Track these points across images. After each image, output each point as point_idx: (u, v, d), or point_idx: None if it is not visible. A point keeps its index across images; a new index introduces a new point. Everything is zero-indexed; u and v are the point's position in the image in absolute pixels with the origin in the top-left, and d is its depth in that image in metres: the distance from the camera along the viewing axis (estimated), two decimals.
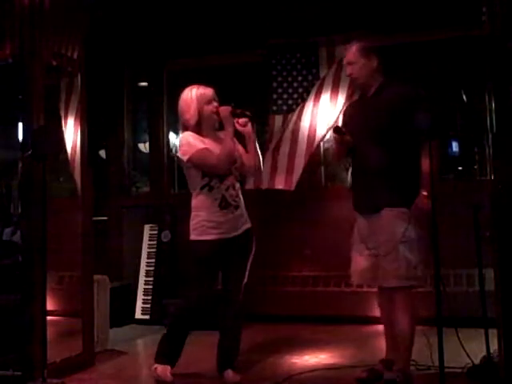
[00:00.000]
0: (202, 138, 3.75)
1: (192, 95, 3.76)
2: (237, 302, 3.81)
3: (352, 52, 3.65)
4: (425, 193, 3.40)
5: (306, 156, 5.51)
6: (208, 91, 3.79)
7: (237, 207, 3.75)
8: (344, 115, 4.04)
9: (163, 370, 3.75)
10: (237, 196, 3.76)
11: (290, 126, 5.65)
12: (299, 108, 5.68)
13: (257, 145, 3.84)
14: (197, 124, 3.75)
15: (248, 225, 3.82)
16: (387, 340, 3.74)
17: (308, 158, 5.52)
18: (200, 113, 3.74)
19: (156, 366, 3.78)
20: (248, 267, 3.82)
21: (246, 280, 3.82)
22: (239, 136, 3.86)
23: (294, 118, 5.66)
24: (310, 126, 5.57)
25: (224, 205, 3.69)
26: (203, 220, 3.70)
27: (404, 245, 3.42)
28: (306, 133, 5.56)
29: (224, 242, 3.69)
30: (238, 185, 3.80)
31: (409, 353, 3.53)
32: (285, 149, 5.60)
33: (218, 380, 3.73)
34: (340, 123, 4.07)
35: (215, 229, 3.68)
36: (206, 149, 3.68)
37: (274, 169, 5.60)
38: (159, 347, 3.84)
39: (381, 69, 3.64)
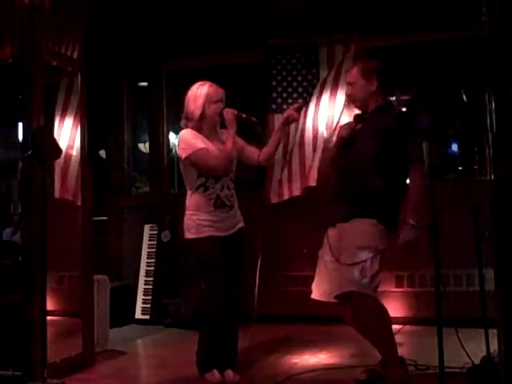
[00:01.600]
0: (201, 136, 3.76)
1: (202, 91, 3.77)
2: (235, 301, 3.80)
3: (353, 72, 3.67)
4: (411, 221, 3.40)
5: (315, 158, 5.53)
6: (218, 91, 3.80)
7: (231, 207, 3.78)
8: (338, 133, 3.98)
9: (211, 375, 3.72)
10: (231, 196, 3.79)
11: (295, 129, 5.66)
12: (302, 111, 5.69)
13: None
14: (199, 119, 3.75)
15: (241, 224, 3.86)
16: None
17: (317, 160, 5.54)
18: (204, 109, 3.75)
19: (204, 376, 3.75)
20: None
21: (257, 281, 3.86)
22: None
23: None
24: (313, 127, 5.58)
25: (219, 204, 3.72)
26: (198, 219, 3.71)
27: (363, 251, 3.41)
28: (311, 135, 5.57)
29: (219, 240, 3.70)
30: (232, 185, 3.82)
31: (393, 355, 3.50)
32: (295, 155, 5.61)
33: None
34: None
35: (209, 227, 3.70)
36: (206, 149, 3.70)
37: (290, 178, 5.61)
38: (198, 358, 3.77)
39: (381, 91, 3.63)
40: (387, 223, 3.49)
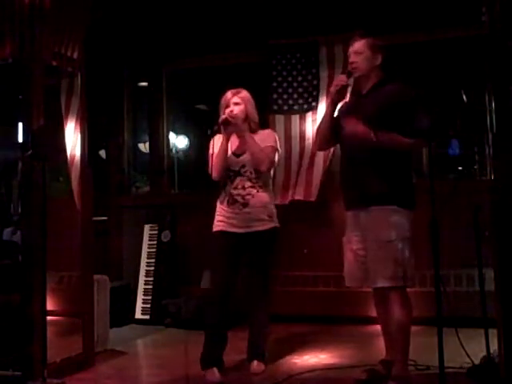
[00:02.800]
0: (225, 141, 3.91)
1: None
2: (256, 298, 3.99)
3: (361, 43, 3.66)
4: (372, 133, 3.37)
5: (321, 163, 5.52)
6: (226, 96, 3.96)
7: (245, 205, 3.88)
8: (339, 111, 3.92)
9: (210, 373, 3.79)
10: (247, 195, 3.89)
11: (297, 132, 5.66)
12: (303, 114, 5.69)
13: (250, 141, 3.91)
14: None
15: (263, 226, 3.92)
16: (385, 340, 3.73)
17: (325, 166, 5.53)
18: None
19: (204, 373, 3.81)
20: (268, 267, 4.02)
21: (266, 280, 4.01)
22: None
23: (298, 123, 5.69)
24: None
25: (231, 201, 3.90)
26: (217, 214, 3.97)
27: (392, 244, 3.39)
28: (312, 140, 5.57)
29: (233, 236, 3.87)
30: (249, 184, 3.90)
31: (406, 354, 3.49)
32: (296, 158, 5.62)
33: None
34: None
35: (222, 222, 3.92)
36: (212, 154, 3.87)
37: (288, 180, 5.62)
38: (202, 353, 3.87)
39: (381, 71, 3.62)
40: (407, 204, 3.46)
